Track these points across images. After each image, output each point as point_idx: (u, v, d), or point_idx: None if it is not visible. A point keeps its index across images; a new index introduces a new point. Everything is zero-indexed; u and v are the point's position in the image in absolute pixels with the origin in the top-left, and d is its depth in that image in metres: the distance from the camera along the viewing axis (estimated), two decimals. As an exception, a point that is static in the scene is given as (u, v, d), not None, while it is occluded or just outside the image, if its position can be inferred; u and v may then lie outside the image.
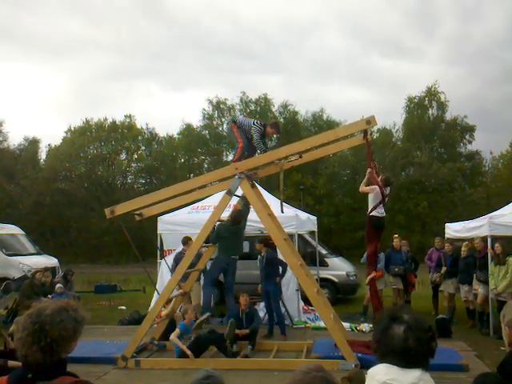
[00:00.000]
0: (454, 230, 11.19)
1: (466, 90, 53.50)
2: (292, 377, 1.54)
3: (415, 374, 1.69)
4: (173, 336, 7.55)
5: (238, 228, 9.28)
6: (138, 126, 39.54)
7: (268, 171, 8.29)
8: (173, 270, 8.96)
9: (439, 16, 54.50)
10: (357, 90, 57.91)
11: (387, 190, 7.72)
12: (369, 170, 7.62)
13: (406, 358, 1.69)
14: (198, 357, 7.34)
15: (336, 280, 13.01)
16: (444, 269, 10.59)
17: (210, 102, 37.95)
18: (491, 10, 52.97)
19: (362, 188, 7.72)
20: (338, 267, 13.38)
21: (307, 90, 54.63)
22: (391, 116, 51.46)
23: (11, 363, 4.90)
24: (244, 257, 13.55)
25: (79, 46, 58.87)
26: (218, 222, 8.75)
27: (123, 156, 39.62)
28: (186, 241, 9.65)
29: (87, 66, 58.82)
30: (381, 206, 7.56)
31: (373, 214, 7.54)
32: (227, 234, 9.09)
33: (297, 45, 57.73)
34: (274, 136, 8.36)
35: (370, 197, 7.58)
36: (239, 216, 9.22)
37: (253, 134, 7.98)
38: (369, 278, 8.07)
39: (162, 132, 40.65)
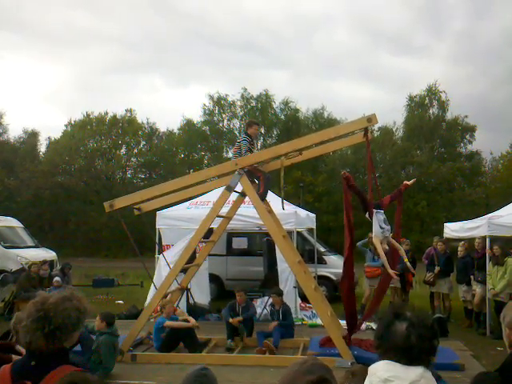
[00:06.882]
0: (452, 229, 11.19)
1: (471, 89, 53.39)
2: (289, 368, 1.53)
3: (417, 371, 1.68)
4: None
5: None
6: (139, 121, 39.55)
7: (268, 168, 8.27)
8: None
9: (449, 14, 54.41)
10: (363, 88, 57.80)
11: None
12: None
13: (408, 355, 1.68)
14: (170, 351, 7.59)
15: (334, 278, 13.00)
16: (437, 268, 10.56)
17: (211, 97, 37.96)
18: (503, 8, 52.72)
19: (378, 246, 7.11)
20: (336, 265, 13.33)
21: (312, 86, 54.57)
22: (396, 115, 51.19)
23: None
24: (242, 253, 13.61)
25: (82, 38, 58.84)
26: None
27: (123, 150, 39.60)
28: None
29: (89, 59, 58.84)
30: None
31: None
32: None
33: (303, 40, 57.53)
34: (258, 130, 8.31)
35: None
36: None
37: (242, 149, 7.92)
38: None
39: (162, 127, 40.63)
